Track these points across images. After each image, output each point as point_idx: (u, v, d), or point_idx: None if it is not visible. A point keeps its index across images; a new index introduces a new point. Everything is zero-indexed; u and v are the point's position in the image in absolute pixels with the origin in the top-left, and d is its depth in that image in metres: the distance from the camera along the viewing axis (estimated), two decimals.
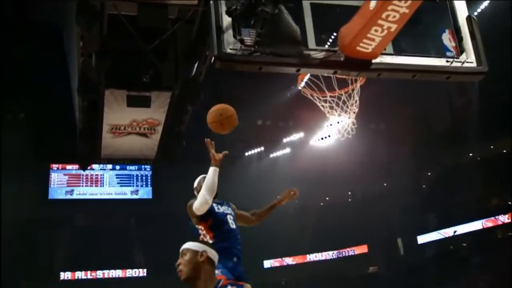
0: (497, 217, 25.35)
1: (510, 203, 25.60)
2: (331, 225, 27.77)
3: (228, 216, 4.32)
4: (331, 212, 28.99)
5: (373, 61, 3.71)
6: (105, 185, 30.25)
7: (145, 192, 30.73)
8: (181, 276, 2.89)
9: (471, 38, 3.89)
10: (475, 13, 17.82)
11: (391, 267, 27.83)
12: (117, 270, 27.61)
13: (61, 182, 29.71)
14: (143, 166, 30.19)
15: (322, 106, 7.99)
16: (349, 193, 31.68)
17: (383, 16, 3.31)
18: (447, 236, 26.60)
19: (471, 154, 27.91)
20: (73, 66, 9.10)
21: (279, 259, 28.45)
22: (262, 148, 30.92)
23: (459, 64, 3.84)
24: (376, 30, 3.41)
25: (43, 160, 28.25)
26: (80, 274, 27.55)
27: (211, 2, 3.51)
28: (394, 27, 3.40)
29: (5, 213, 25.10)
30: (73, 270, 27.60)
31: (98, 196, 29.96)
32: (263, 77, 18.56)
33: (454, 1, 3.97)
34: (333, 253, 28.82)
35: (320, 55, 3.65)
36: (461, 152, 27.43)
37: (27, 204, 26.56)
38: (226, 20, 3.44)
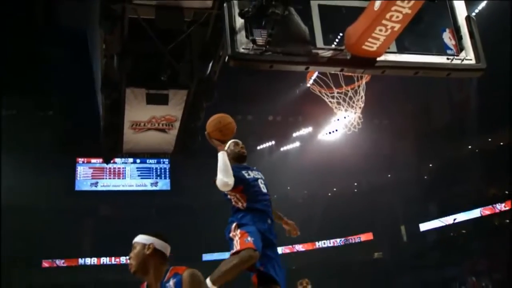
0: (494, 205, 25.20)
1: (507, 192, 25.40)
2: (338, 214, 27.74)
3: (259, 181, 4.15)
4: (338, 201, 28.94)
5: (378, 59, 3.69)
6: (127, 177, 30.47)
7: (164, 184, 30.88)
8: (131, 270, 2.80)
9: (470, 37, 3.84)
10: (474, 13, 17.65)
11: (395, 253, 27.75)
12: None
13: (87, 175, 29.99)
14: (162, 160, 30.33)
15: (330, 102, 7.95)
16: (355, 184, 31.60)
17: (387, 16, 3.29)
18: (447, 223, 26.47)
19: (470, 147, 27.69)
20: (96, 67, 9.15)
21: (290, 246, 28.46)
22: (273, 142, 30.90)
23: (459, 62, 3.80)
24: (380, 30, 3.38)
25: (70, 154, 28.52)
26: (105, 260, 27.84)
27: (224, 5, 3.50)
28: (397, 26, 3.37)
29: (36, 202, 25.60)
30: (98, 256, 27.90)
31: (121, 188, 30.19)
32: (274, 75, 18.53)
33: (454, 2, 3.93)
34: (340, 240, 28.80)
35: (327, 53, 3.63)
36: (461, 145, 27.22)
37: (55, 194, 26.91)
38: (239, 21, 3.42)
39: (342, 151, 24.72)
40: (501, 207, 24.83)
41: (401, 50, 3.81)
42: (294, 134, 29.67)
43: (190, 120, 9.39)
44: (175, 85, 8.24)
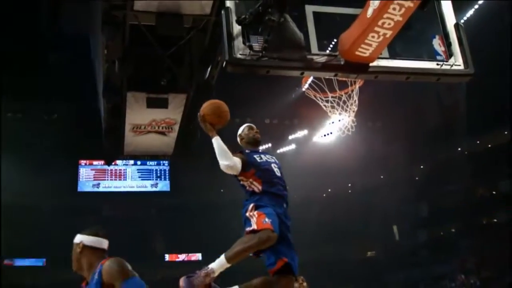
0: (482, 205, 25.32)
1: (494, 192, 25.52)
2: (333, 213, 27.75)
3: (273, 165, 4.00)
4: (333, 202, 28.96)
5: (371, 64, 3.70)
6: (128, 179, 30.38)
7: (163, 185, 30.81)
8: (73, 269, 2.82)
9: (459, 43, 3.87)
10: (462, 21, 17.71)
11: (387, 251, 27.78)
12: (139, 254, 27.75)
13: (89, 176, 29.91)
14: (161, 162, 30.23)
15: (324, 106, 7.95)
16: (349, 185, 31.61)
17: (379, 23, 3.30)
18: (437, 222, 26.54)
19: (459, 149, 27.81)
20: (98, 71, 9.14)
21: None
22: (270, 145, 30.85)
23: (448, 67, 3.82)
24: (373, 36, 3.40)
25: (73, 156, 28.48)
26: None
27: (222, 12, 3.51)
28: (389, 33, 3.38)
29: (41, 202, 25.62)
30: None
31: (122, 189, 30.10)
32: (271, 79, 18.53)
33: (443, 10, 3.95)
34: (334, 238, 28.78)
35: (322, 59, 3.64)
36: (451, 147, 27.34)
37: (58, 195, 26.87)
38: (236, 28, 3.43)
39: (337, 153, 24.72)
40: (488, 207, 24.95)
41: (393, 56, 3.82)
42: (290, 137, 29.67)
43: (189, 123, 9.38)
44: (174, 89, 8.23)
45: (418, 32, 3.96)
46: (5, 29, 18.41)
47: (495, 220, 25.00)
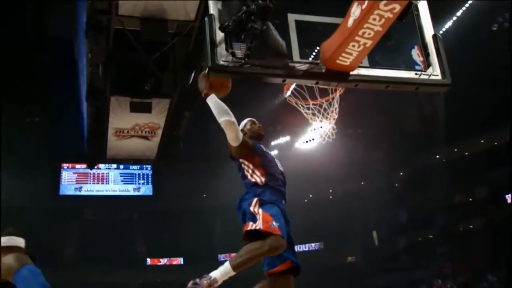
0: (459, 211, 25.66)
1: (470, 199, 25.87)
2: (314, 219, 27.82)
3: (276, 160, 3.90)
4: (314, 207, 29.05)
5: (351, 73, 3.73)
6: (110, 182, 30.13)
7: (146, 189, 30.61)
8: None
9: (437, 54, 3.92)
10: (441, 32, 18.04)
11: (367, 256, 27.93)
12: (121, 258, 27.48)
13: (71, 180, 29.59)
14: (144, 166, 30.07)
15: (306, 113, 8.01)
16: (330, 191, 31.79)
17: (360, 33, 3.34)
18: (416, 228, 26.79)
19: (438, 156, 28.16)
20: (82, 75, 9.05)
21: None
22: None
23: (426, 77, 3.87)
24: (353, 46, 3.43)
25: (55, 160, 28.12)
26: (87, 262, 27.45)
27: (206, 18, 3.51)
28: (369, 43, 3.42)
29: (21, 205, 25.16)
30: (81, 258, 27.48)
31: (104, 193, 29.83)
32: (254, 86, 18.56)
33: (422, 21, 4.01)
34: (315, 244, 28.86)
35: (303, 67, 3.65)
36: (429, 154, 27.67)
37: (41, 199, 26.49)
38: (219, 35, 3.43)
39: (318, 160, 24.84)
40: (465, 213, 25.28)
41: (373, 65, 3.85)
42: (273, 143, 29.68)
43: (172, 128, 9.32)
44: (158, 94, 8.18)
45: (397, 42, 4.01)
46: None
47: (471, 227, 25.35)
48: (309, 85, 6.38)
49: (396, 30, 3.72)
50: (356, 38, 3.36)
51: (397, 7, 3.20)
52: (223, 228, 29.66)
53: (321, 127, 9.23)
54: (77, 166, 29.39)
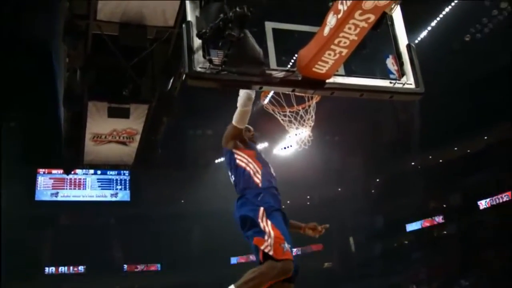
0: (433, 218, 25.99)
1: (444, 206, 26.27)
2: None
3: (270, 165, 4.08)
4: (292, 213, 28.90)
5: (327, 81, 3.76)
6: (87, 188, 29.70)
7: (124, 195, 30.26)
8: None
9: (411, 63, 3.98)
10: (416, 41, 18.34)
11: (343, 262, 28.08)
12: (98, 264, 27.07)
13: (47, 185, 29.07)
14: (122, 171, 29.76)
15: (282, 120, 8.04)
16: (308, 197, 31.89)
17: (336, 42, 3.37)
18: (392, 234, 27.06)
19: (413, 163, 28.54)
20: (60, 80, 8.93)
21: (245, 256, 28.32)
22: None
23: (400, 85, 3.92)
24: (329, 54, 3.46)
25: (31, 165, 27.59)
26: (63, 269, 26.94)
27: (183, 25, 3.51)
28: (345, 51, 3.46)
29: None
30: (57, 265, 26.98)
31: (81, 198, 29.39)
32: (232, 93, 18.54)
33: (396, 31, 4.07)
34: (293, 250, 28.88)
35: (280, 74, 3.67)
36: (405, 161, 28.02)
37: (16, 204, 25.90)
38: (197, 42, 3.43)
39: (296, 166, 24.90)
40: (439, 219, 25.65)
41: (348, 73, 3.90)
42: None
43: (150, 134, 9.26)
44: (136, 99, 8.10)
45: (372, 51, 4.06)
46: None
47: (445, 232, 25.73)
48: (286, 92, 6.41)
49: (371, 39, 3.77)
50: (332, 46, 3.40)
51: (372, 17, 3.25)
52: (201, 234, 29.51)
53: (297, 134, 9.27)
54: (54, 171, 28.91)
